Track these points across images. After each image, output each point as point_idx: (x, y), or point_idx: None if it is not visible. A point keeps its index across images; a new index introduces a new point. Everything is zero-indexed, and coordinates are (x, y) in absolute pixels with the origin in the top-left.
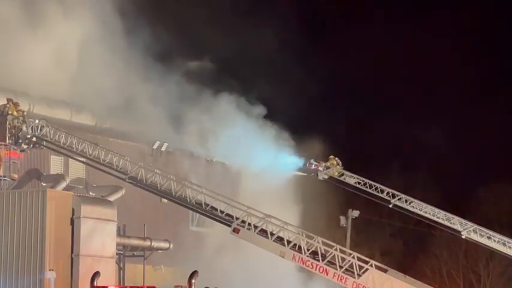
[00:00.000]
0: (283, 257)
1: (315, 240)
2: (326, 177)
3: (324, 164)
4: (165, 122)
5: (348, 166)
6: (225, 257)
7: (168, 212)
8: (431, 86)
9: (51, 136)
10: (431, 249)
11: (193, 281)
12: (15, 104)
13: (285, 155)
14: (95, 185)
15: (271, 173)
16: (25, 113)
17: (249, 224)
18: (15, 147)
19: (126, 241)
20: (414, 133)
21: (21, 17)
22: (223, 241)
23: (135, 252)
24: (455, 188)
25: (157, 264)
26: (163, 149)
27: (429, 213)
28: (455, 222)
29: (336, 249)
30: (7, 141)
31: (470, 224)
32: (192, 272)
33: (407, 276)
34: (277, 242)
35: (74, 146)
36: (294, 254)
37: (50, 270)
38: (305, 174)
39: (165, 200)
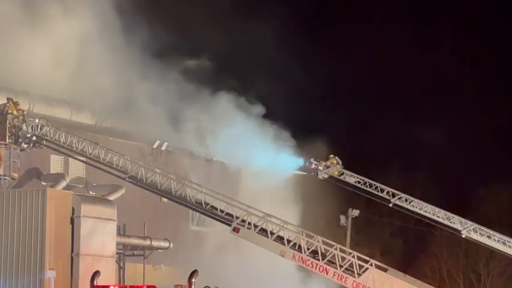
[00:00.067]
0: (283, 256)
1: (315, 240)
2: (326, 176)
3: (324, 163)
4: (165, 121)
5: (348, 165)
6: (225, 256)
7: (168, 211)
8: (431, 86)
9: (51, 135)
10: (431, 248)
11: (193, 280)
12: (15, 103)
13: (284, 155)
14: (95, 184)
15: (271, 172)
16: (25, 112)
17: (249, 223)
18: (15, 147)
19: (126, 240)
20: (414, 133)
21: (21, 17)
22: (223, 240)
23: (135, 252)
24: (455, 188)
25: (158, 264)
26: (163, 148)
27: (429, 213)
28: (455, 222)
29: (336, 249)
30: (7, 140)
31: (470, 223)
32: (192, 271)
33: (407, 276)
34: (277, 241)
35: (74, 145)
36: (294, 253)
37: (50, 269)
38: (305, 173)
39: (165, 199)
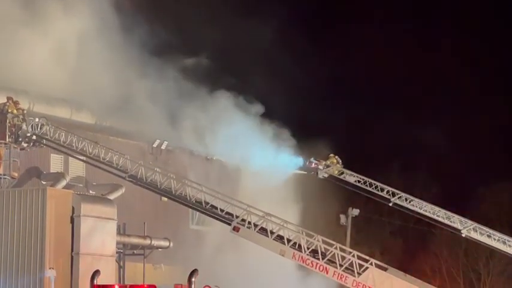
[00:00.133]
0: (283, 255)
1: (315, 239)
2: (326, 175)
3: (324, 163)
4: (165, 120)
5: (348, 165)
6: (225, 256)
7: (168, 211)
8: (432, 86)
9: (51, 134)
10: (432, 247)
11: (193, 279)
12: (15, 103)
13: (284, 154)
14: (94, 184)
15: (271, 171)
16: (25, 111)
17: (249, 223)
18: (15, 146)
19: (126, 239)
20: (414, 133)
21: (21, 16)
22: (223, 240)
23: (135, 251)
24: (455, 187)
25: (157, 263)
26: (163, 147)
27: (429, 212)
28: (455, 221)
29: (336, 248)
30: (7, 139)
31: (470, 222)
32: (192, 270)
33: (407, 275)
34: (277, 241)
35: (74, 144)
36: (294, 253)
37: (50, 268)
38: (305, 172)
39: (165, 199)
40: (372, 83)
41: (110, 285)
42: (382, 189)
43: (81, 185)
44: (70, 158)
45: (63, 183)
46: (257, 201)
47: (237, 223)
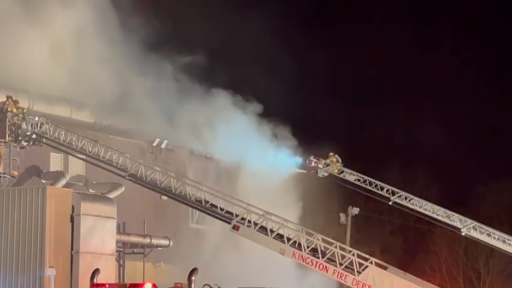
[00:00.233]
0: (283, 254)
1: (314, 238)
2: (326, 174)
3: (323, 161)
4: (165, 119)
5: (347, 163)
6: (224, 254)
7: (168, 209)
8: (432, 86)
9: (51, 133)
10: (431, 246)
11: (193, 278)
12: (15, 101)
13: (284, 153)
14: (94, 182)
15: (271, 170)
16: (25, 110)
17: (249, 221)
18: (15, 145)
19: (126, 238)
20: (414, 132)
21: (20, 15)
22: (223, 238)
23: (134, 250)
24: (455, 186)
25: (157, 262)
26: (163, 146)
27: (429, 211)
28: (455, 220)
29: (335, 247)
30: (7, 138)
31: (470, 221)
32: (191, 269)
33: (407, 274)
34: (277, 239)
35: (73, 143)
36: (293, 251)
37: (49, 267)
38: (305, 171)
39: (165, 197)
40: (372, 82)
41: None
42: (382, 188)
43: (81, 184)
44: (70, 156)
45: (63, 182)
46: (257, 200)
47: (237, 222)
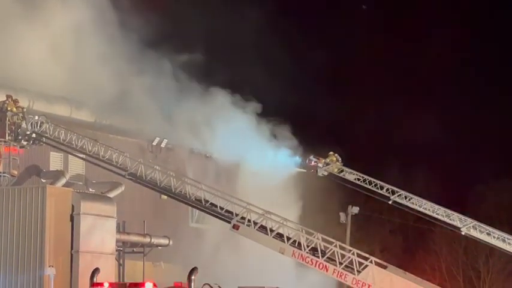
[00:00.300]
0: (282, 253)
1: (314, 237)
2: (326, 173)
3: (323, 161)
4: (165, 118)
5: (347, 163)
6: (224, 254)
7: (168, 209)
8: (432, 85)
9: (51, 132)
10: (431, 245)
11: (192, 277)
12: (15, 101)
13: (284, 152)
14: (94, 182)
15: (271, 169)
16: (24, 110)
17: (249, 221)
18: (14, 144)
19: (126, 237)
20: (414, 131)
21: (19, 14)
22: (222, 238)
23: (134, 249)
24: (455, 185)
25: (157, 261)
26: (163, 145)
27: (429, 210)
28: (455, 219)
29: (335, 246)
30: (7, 137)
31: (469, 220)
32: (191, 268)
33: (407, 273)
34: (276, 239)
35: (73, 142)
36: (293, 251)
37: (49, 266)
38: (304, 170)
39: (165, 197)
40: (372, 82)
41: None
42: (381, 187)
43: (80, 183)
44: (70, 156)
45: (63, 181)
46: (257, 199)
47: (237, 221)
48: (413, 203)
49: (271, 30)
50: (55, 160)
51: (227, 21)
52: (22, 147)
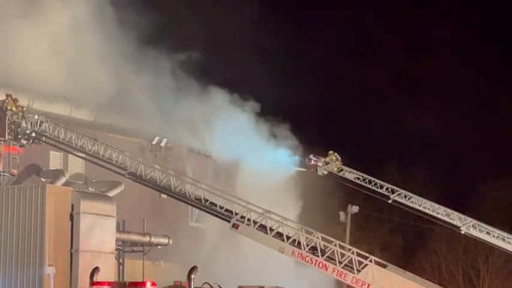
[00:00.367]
0: (282, 252)
1: (314, 236)
2: (325, 172)
3: (323, 160)
4: (165, 117)
5: (347, 162)
6: (224, 253)
7: (168, 208)
8: (432, 85)
9: (51, 131)
10: (431, 244)
11: (192, 276)
12: (14, 100)
13: (284, 151)
14: (94, 181)
15: (271, 168)
16: (24, 109)
17: (249, 220)
18: (14, 143)
19: (126, 236)
20: (414, 130)
21: (19, 13)
22: (222, 237)
23: (134, 248)
24: (455, 184)
25: (157, 260)
26: (162, 144)
27: (428, 209)
28: (455, 218)
29: (335, 245)
30: (6, 136)
31: (469, 219)
32: (191, 267)
33: (406, 272)
34: (276, 238)
35: (73, 141)
36: (293, 250)
37: (49, 265)
38: (304, 169)
39: (165, 196)
40: (372, 81)
41: (109, 282)
42: (381, 186)
43: (80, 182)
44: (69, 155)
45: (63, 180)
46: (256, 198)
47: (237, 220)
48: (413, 202)
49: (270, 29)
50: (55, 159)
51: (226, 20)
52: (22, 146)
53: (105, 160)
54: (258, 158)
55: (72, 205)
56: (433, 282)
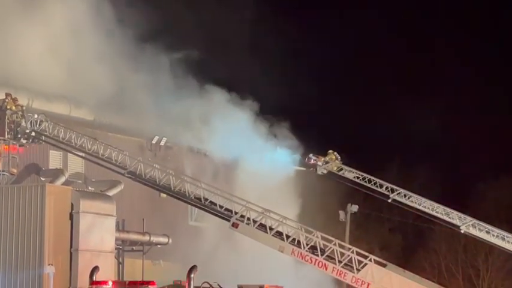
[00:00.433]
0: (282, 251)
1: (314, 235)
2: (325, 171)
3: (322, 159)
4: (164, 117)
5: (346, 161)
6: (224, 252)
7: (167, 207)
8: (432, 84)
9: (50, 131)
10: (431, 243)
11: (192, 275)
12: (14, 99)
13: (283, 151)
14: (93, 180)
15: (271, 167)
16: (24, 108)
17: (248, 219)
18: (14, 142)
19: (125, 236)
20: (414, 129)
21: (18, 12)
22: (222, 236)
23: (134, 247)
24: (455, 184)
25: (156, 259)
26: (162, 143)
27: (428, 208)
28: (454, 217)
29: (335, 244)
30: (6, 136)
31: (469, 218)
32: (191, 266)
33: (406, 271)
34: (276, 237)
35: (72, 140)
36: (293, 249)
37: (49, 265)
38: (304, 169)
39: (164, 195)
40: (372, 80)
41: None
42: (381, 186)
43: (80, 182)
44: (69, 154)
45: (62, 179)
46: (256, 197)
47: (236, 219)
48: (412, 201)
49: (270, 27)
50: (54, 158)
51: (226, 18)
52: (21, 145)
53: (105, 159)
54: (257, 157)
55: (72, 204)
56: (433, 281)
